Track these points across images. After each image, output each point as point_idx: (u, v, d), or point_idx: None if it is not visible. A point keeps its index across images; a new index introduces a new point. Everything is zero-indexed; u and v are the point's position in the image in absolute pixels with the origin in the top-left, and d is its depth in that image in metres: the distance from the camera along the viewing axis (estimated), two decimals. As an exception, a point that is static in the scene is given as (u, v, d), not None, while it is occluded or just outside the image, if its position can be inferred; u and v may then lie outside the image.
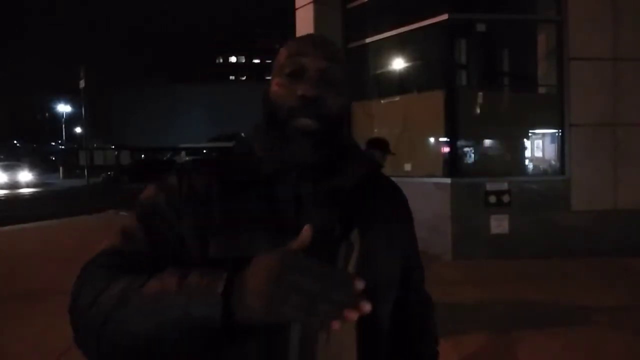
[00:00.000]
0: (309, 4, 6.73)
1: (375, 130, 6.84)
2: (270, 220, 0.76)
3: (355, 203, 0.83)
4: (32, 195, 21.28)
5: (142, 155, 36.77)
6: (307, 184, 0.80)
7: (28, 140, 55.41)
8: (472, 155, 6.16)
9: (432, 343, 1.00)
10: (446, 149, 5.75)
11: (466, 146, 6.09)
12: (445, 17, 5.68)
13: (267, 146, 0.82)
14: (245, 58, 66.70)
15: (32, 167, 29.33)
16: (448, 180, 5.51)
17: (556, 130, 5.85)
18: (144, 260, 0.73)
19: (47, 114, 54.89)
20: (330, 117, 0.80)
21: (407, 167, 6.20)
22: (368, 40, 6.70)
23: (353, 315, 0.57)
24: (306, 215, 0.77)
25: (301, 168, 0.80)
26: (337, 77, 0.83)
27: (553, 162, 5.97)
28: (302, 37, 0.88)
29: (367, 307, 0.56)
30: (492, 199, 5.46)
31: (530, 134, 6.33)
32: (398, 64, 6.80)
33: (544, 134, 6.31)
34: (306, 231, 0.65)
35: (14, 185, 25.52)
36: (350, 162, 0.86)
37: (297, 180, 0.80)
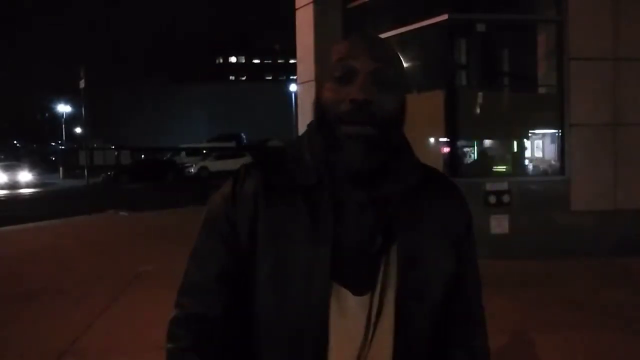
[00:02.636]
0: (309, 4, 6.72)
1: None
2: (308, 231, 0.77)
3: (403, 210, 0.81)
4: (32, 195, 21.29)
5: (142, 155, 36.77)
6: (353, 192, 0.79)
7: (28, 140, 55.43)
8: (472, 155, 6.16)
9: (473, 356, 0.91)
10: (446, 149, 5.74)
11: (466, 146, 6.09)
12: (445, 17, 5.68)
13: (315, 153, 0.81)
14: (245, 58, 66.70)
15: (32, 167, 29.33)
16: (448, 180, 5.50)
17: (556, 130, 5.84)
18: (215, 330, 0.80)
19: (47, 114, 54.92)
20: (383, 120, 0.77)
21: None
22: (368, 40, 6.70)
23: None
24: (345, 226, 0.78)
25: (350, 175, 0.78)
26: (389, 79, 0.80)
27: (553, 162, 5.97)
28: (352, 38, 0.84)
29: None
30: (492, 199, 5.46)
31: (530, 134, 6.33)
32: (398, 64, 6.79)
33: (544, 134, 6.31)
34: None
35: (14, 185, 25.53)
36: (400, 167, 0.83)
37: (342, 188, 0.79)
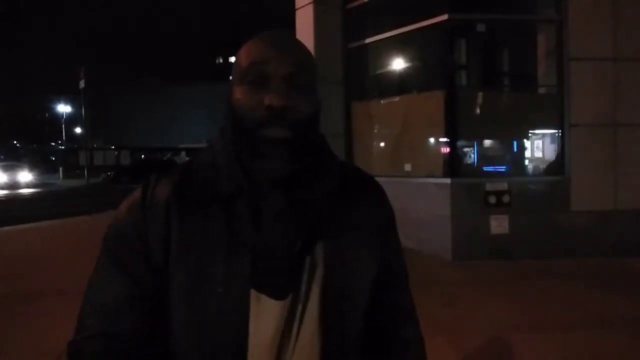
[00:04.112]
0: (309, 4, 6.73)
1: (375, 131, 6.84)
2: (226, 239, 0.75)
3: (324, 213, 0.80)
4: (32, 195, 21.28)
5: (142, 155, 36.78)
6: (272, 198, 0.77)
7: (28, 140, 55.42)
8: (472, 155, 6.15)
9: (405, 352, 0.92)
10: (446, 149, 5.74)
11: (466, 146, 6.08)
12: (445, 17, 5.68)
13: (230, 161, 0.78)
14: (245, 58, 66.58)
15: (32, 167, 29.39)
16: (448, 180, 5.50)
17: (556, 130, 5.84)
18: (125, 327, 0.75)
19: (47, 114, 54.93)
20: (302, 124, 0.76)
21: (407, 167, 6.20)
22: (368, 40, 6.70)
23: None
24: (264, 234, 0.76)
25: (269, 181, 0.76)
26: (305, 82, 0.78)
27: (553, 162, 5.97)
28: (263, 38, 0.81)
29: None
30: (492, 199, 5.46)
31: (530, 134, 6.33)
32: (398, 64, 6.80)
33: (544, 134, 6.31)
34: None
35: (14, 185, 25.55)
36: (321, 171, 0.82)
37: (260, 195, 0.76)
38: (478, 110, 6.18)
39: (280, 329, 0.76)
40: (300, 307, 0.77)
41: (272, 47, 0.78)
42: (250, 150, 0.76)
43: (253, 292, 0.75)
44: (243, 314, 0.74)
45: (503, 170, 6.01)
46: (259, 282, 0.75)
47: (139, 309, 0.76)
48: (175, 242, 0.75)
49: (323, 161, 0.84)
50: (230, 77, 0.85)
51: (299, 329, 0.77)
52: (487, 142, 6.39)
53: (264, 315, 0.75)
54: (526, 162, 6.26)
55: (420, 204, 5.66)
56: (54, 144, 53.51)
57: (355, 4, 6.75)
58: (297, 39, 0.83)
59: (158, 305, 0.77)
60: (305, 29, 6.76)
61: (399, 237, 0.96)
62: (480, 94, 6.24)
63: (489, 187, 5.49)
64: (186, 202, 0.77)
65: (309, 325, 0.77)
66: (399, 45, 6.64)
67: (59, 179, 31.67)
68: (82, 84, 24.42)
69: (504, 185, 5.51)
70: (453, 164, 5.67)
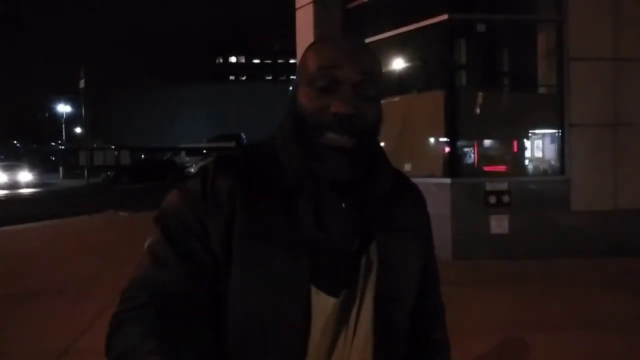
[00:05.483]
0: (309, 4, 6.72)
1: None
2: (288, 235, 0.75)
3: (378, 215, 0.82)
4: (32, 195, 21.28)
5: (142, 155, 36.79)
6: (334, 198, 0.78)
7: (28, 140, 55.39)
8: (472, 155, 6.16)
9: (439, 352, 0.95)
10: (446, 149, 5.74)
11: (466, 146, 6.09)
12: (445, 17, 5.68)
13: (293, 159, 0.78)
14: (245, 58, 66.73)
15: (32, 167, 29.35)
16: (448, 180, 5.51)
17: (556, 130, 5.84)
18: (177, 300, 0.71)
19: (47, 114, 54.90)
20: (365, 134, 0.77)
21: (407, 167, 6.20)
22: (368, 40, 6.67)
23: None
24: (325, 231, 0.77)
25: (329, 182, 0.77)
26: (373, 91, 0.78)
27: (553, 162, 5.97)
28: (335, 43, 0.80)
29: None
30: (492, 199, 5.46)
31: (530, 134, 6.33)
32: (398, 64, 6.80)
33: (544, 134, 6.31)
34: None
35: (14, 185, 25.53)
36: (378, 175, 0.84)
37: (322, 193, 0.77)
38: (478, 110, 6.18)
39: (334, 326, 0.77)
40: (356, 305, 0.78)
41: (344, 52, 0.77)
42: (312, 153, 0.76)
43: (312, 288, 0.76)
44: (303, 310, 0.74)
45: (503, 170, 6.02)
46: (316, 279, 0.76)
47: (194, 291, 0.73)
48: (239, 233, 0.74)
49: (380, 166, 0.85)
50: (294, 77, 0.85)
51: (355, 327, 0.78)
52: (487, 142, 6.39)
53: (319, 311, 0.76)
54: (526, 162, 6.27)
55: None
56: (54, 144, 53.47)
57: (355, 3, 6.75)
58: (368, 46, 0.83)
59: (213, 294, 0.75)
60: (305, 29, 6.75)
61: (433, 240, 0.99)
62: (480, 94, 6.25)
63: (489, 187, 5.49)
64: (251, 194, 0.77)
65: (364, 324, 0.79)
66: (399, 45, 6.64)
67: (59, 179, 31.64)
68: (82, 84, 24.40)
69: (504, 185, 5.51)
70: (453, 164, 5.67)
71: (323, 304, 0.76)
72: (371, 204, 0.81)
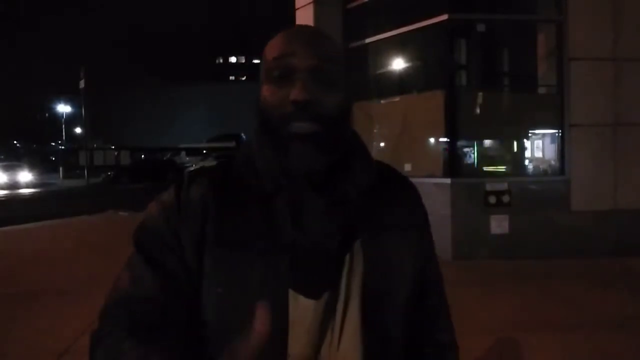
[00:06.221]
0: (309, 4, 6.73)
1: (375, 131, 6.84)
2: (264, 241, 0.73)
3: (362, 210, 0.79)
4: (32, 195, 21.28)
5: (142, 156, 36.80)
6: (310, 195, 0.75)
7: (28, 140, 55.40)
8: (472, 155, 6.16)
9: (442, 351, 0.93)
10: (446, 149, 5.75)
11: (466, 146, 6.09)
12: (444, 17, 5.68)
13: (264, 158, 0.76)
14: (245, 58, 66.76)
15: (32, 167, 29.36)
16: (448, 180, 5.51)
17: (556, 130, 5.84)
18: (154, 316, 0.72)
19: (47, 114, 54.93)
20: (329, 117, 0.74)
21: (407, 167, 6.20)
22: (368, 40, 6.70)
23: None
24: (303, 232, 0.74)
25: (304, 178, 0.75)
26: (332, 75, 0.76)
27: (553, 162, 5.97)
28: (286, 33, 0.78)
29: None
30: (492, 199, 5.46)
31: (530, 134, 6.33)
32: (398, 64, 6.80)
33: (544, 134, 6.31)
34: (260, 320, 0.61)
35: (14, 185, 25.54)
36: (355, 168, 0.80)
37: (298, 191, 0.75)
38: (478, 110, 6.18)
39: (317, 329, 0.75)
40: (341, 306, 0.76)
41: (296, 40, 0.76)
42: (279, 147, 0.73)
43: (291, 293, 0.73)
44: (282, 315, 0.72)
45: (503, 170, 6.02)
46: (296, 282, 0.73)
47: (169, 305, 0.73)
48: (212, 242, 0.74)
49: (357, 158, 0.82)
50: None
51: (341, 328, 0.75)
52: (487, 142, 6.40)
53: (299, 317, 0.74)
54: (526, 162, 6.27)
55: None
56: (54, 144, 53.48)
57: (355, 3, 6.75)
58: (322, 31, 0.81)
59: (189, 304, 0.74)
60: (305, 29, 6.75)
61: (432, 238, 0.94)
62: (480, 94, 6.25)
63: (489, 187, 5.49)
64: (224, 202, 0.76)
65: (351, 327, 0.76)
66: (399, 45, 6.64)
67: (59, 179, 31.64)
68: (82, 84, 24.41)
69: (504, 185, 5.51)
70: (453, 164, 5.68)
71: (302, 308, 0.74)
72: (353, 200, 0.78)
